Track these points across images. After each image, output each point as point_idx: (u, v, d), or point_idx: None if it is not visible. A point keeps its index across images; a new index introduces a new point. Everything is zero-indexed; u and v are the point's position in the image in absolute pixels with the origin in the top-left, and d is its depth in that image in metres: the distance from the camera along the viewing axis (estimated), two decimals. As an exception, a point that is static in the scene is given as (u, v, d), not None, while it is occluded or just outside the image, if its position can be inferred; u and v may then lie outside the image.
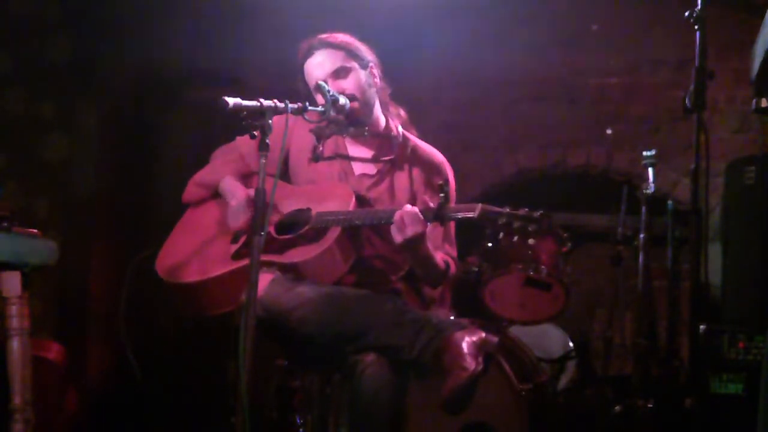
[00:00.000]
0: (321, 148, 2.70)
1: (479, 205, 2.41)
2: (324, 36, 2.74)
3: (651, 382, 3.93)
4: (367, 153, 2.80)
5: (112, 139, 4.69)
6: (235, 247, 2.65)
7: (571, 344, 4.09)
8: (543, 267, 3.61)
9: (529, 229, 2.35)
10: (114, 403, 4.27)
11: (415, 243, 2.48)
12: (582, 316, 5.05)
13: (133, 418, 4.03)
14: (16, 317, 2.51)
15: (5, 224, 2.46)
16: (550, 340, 4.12)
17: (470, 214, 2.41)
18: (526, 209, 2.37)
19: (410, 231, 2.44)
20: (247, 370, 2.10)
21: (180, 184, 2.92)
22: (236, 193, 2.72)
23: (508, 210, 2.37)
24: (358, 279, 2.62)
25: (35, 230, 2.55)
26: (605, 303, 4.86)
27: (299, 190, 2.72)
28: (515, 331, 3.79)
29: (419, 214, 2.45)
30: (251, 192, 2.66)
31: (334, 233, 2.53)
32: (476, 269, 3.72)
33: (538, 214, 2.36)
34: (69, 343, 3.87)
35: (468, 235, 3.88)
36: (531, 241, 3.39)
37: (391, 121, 2.83)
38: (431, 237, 2.61)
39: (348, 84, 2.69)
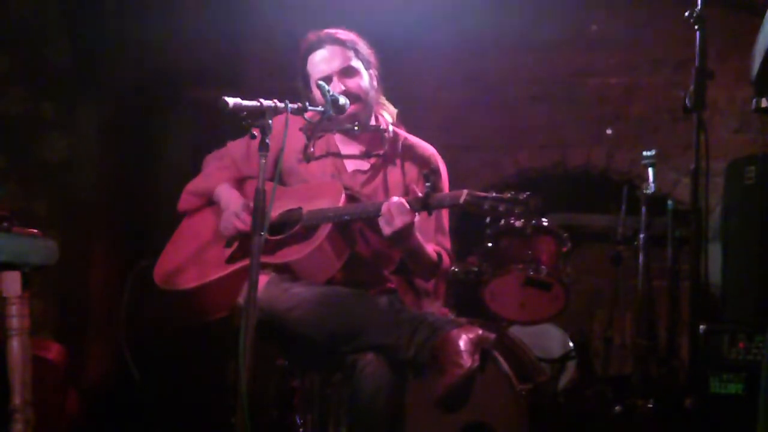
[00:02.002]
0: (312, 149, 2.71)
1: (465, 191, 2.41)
2: (332, 31, 2.74)
3: (651, 382, 3.93)
4: (359, 149, 2.80)
5: (112, 139, 4.68)
6: (229, 251, 2.65)
7: (571, 344, 4.09)
8: (543, 267, 3.61)
9: (515, 211, 2.35)
10: (114, 403, 4.27)
11: (404, 234, 2.48)
12: (582, 316, 5.06)
13: (133, 418, 4.03)
14: (16, 317, 2.51)
15: (5, 224, 2.46)
16: (550, 340, 4.12)
17: (456, 201, 2.41)
18: (512, 192, 2.37)
19: (398, 222, 2.44)
20: (247, 370, 2.10)
21: (180, 184, 2.92)
22: (231, 201, 2.72)
23: (493, 194, 2.38)
24: (351, 274, 2.62)
25: (35, 230, 2.55)
26: (605, 303, 4.86)
27: (290, 191, 2.72)
28: (515, 331, 3.79)
29: (406, 204, 2.45)
30: (246, 201, 2.67)
31: (324, 230, 2.53)
32: (476, 269, 3.73)
33: (524, 195, 2.36)
34: (69, 343, 3.87)
35: (468, 234, 3.89)
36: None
37: (380, 117, 2.83)
38: (422, 229, 2.62)
39: (353, 84, 2.69)
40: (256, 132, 2.23)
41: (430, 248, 2.70)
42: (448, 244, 2.83)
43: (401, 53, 4.85)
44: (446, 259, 2.77)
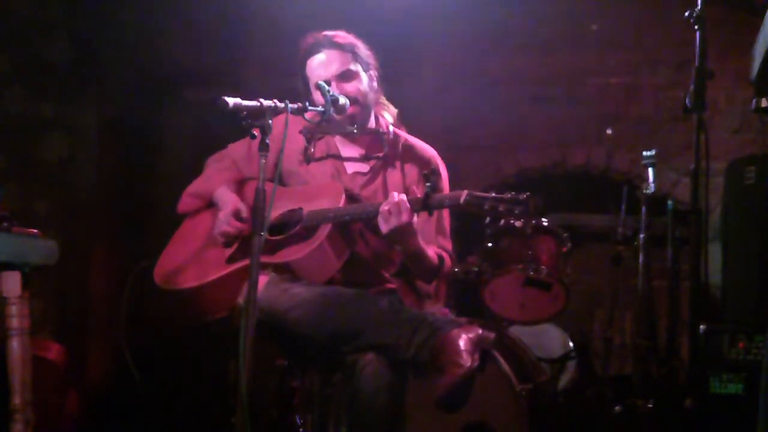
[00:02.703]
0: (312, 150, 2.71)
1: (465, 192, 2.41)
2: (330, 34, 2.73)
3: (651, 382, 3.93)
4: (359, 151, 2.80)
5: (112, 139, 4.69)
6: (229, 251, 2.65)
7: (571, 344, 4.09)
8: (543, 267, 3.61)
9: (516, 211, 2.35)
10: (114, 403, 4.27)
11: (402, 234, 2.48)
12: (582, 316, 5.06)
13: (133, 419, 4.03)
14: (16, 317, 2.51)
15: (5, 224, 2.46)
16: (550, 340, 4.13)
17: (456, 201, 2.41)
18: (512, 192, 2.38)
19: (394, 221, 2.44)
20: (247, 370, 2.10)
21: (179, 184, 2.92)
22: (226, 203, 2.72)
23: (493, 194, 2.38)
24: (351, 274, 2.61)
25: (35, 230, 2.55)
26: (605, 303, 4.86)
27: (291, 191, 2.72)
28: (515, 331, 3.79)
29: (406, 202, 2.45)
30: (240, 205, 2.67)
31: (324, 230, 2.53)
32: (476, 269, 3.73)
33: (524, 196, 2.36)
34: (69, 343, 3.87)
35: (468, 234, 3.89)
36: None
37: (381, 119, 2.83)
38: (423, 230, 2.62)
39: (352, 88, 2.68)
40: (256, 132, 2.24)
41: (432, 251, 2.69)
42: (449, 246, 2.82)
43: (402, 53, 4.85)
44: (448, 262, 2.77)
